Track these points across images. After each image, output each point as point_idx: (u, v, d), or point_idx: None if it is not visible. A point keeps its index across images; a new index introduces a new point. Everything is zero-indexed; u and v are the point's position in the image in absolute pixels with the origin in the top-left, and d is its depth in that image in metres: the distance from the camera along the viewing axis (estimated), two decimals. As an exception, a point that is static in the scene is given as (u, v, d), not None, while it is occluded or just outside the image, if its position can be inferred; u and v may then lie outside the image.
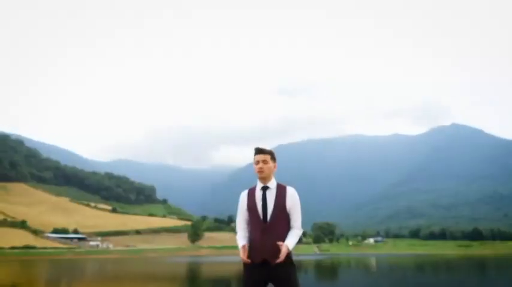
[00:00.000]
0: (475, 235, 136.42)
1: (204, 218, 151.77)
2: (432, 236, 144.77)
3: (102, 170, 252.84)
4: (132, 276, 30.47)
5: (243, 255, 2.92)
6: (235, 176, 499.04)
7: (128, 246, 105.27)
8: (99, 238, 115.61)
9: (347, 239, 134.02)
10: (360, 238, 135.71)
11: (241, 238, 3.01)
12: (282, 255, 2.78)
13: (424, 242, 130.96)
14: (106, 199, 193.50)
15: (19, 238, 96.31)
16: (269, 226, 2.87)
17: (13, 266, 46.06)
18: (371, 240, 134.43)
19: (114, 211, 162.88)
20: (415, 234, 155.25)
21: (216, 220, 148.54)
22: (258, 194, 2.95)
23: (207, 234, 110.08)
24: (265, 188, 2.95)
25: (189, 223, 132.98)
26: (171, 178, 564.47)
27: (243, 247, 2.95)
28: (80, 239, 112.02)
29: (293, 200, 2.97)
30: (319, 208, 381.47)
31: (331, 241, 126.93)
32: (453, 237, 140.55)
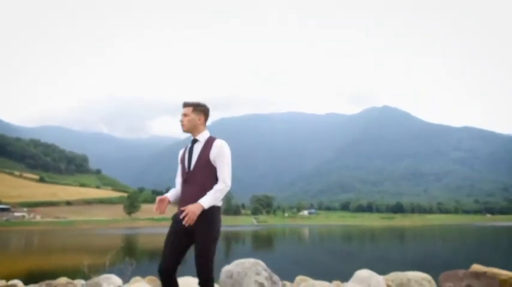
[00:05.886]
0: (397, 208, 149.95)
1: (141, 189, 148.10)
2: (360, 209, 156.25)
3: (27, 137, 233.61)
4: (63, 248, 29.26)
5: (154, 206, 2.82)
6: (175, 147, 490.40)
7: (57, 217, 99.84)
8: (25, 209, 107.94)
9: (283, 211, 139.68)
10: (295, 210, 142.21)
11: (169, 192, 2.92)
12: (188, 219, 2.54)
13: (352, 215, 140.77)
14: (32, 167, 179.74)
15: None
16: (190, 176, 2.76)
17: None
18: (305, 212, 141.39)
19: (41, 180, 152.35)
20: (345, 207, 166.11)
21: (154, 192, 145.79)
22: (188, 147, 2.90)
23: (144, 206, 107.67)
24: (194, 141, 2.87)
25: (124, 194, 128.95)
26: (104, 147, 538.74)
27: (159, 198, 2.83)
28: (3, 209, 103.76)
29: (218, 151, 2.76)
30: (257, 181, 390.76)
31: (268, 212, 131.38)
32: (378, 210, 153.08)
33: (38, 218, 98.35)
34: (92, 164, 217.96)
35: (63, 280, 4.35)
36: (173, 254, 2.70)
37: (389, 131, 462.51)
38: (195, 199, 2.65)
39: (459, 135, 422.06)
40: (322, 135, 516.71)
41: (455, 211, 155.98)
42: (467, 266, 5.19)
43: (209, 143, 2.83)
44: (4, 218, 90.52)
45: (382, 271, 5.28)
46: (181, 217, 2.61)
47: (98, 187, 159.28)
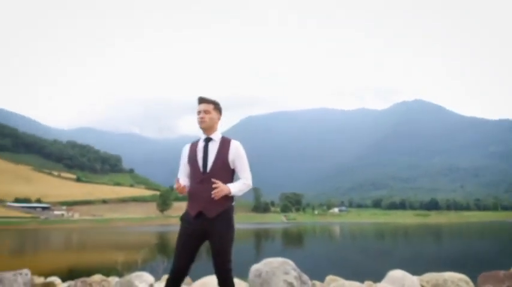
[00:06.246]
0: (432, 205, 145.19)
1: (172, 188, 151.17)
2: (393, 206, 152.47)
3: (64, 139, 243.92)
4: (99, 245, 30.34)
5: (177, 185, 2.69)
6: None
7: (94, 215, 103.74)
8: (64, 208, 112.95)
9: (313, 209, 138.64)
10: (325, 207, 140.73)
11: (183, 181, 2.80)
12: (217, 192, 2.57)
13: (385, 212, 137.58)
14: (70, 168, 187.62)
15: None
16: (208, 177, 2.66)
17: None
18: (335, 209, 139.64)
19: (78, 180, 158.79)
20: (376, 204, 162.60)
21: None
22: (200, 145, 2.78)
23: (176, 204, 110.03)
24: (208, 140, 2.77)
25: (156, 192, 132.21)
26: (136, 148, 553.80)
27: (181, 182, 2.71)
28: (43, 208, 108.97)
29: (237, 152, 2.73)
30: (285, 179, 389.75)
31: (297, 210, 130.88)
32: (412, 207, 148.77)
33: (76, 216, 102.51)
34: (125, 164, 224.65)
35: (97, 277, 4.49)
36: (187, 255, 2.70)
37: (421, 125, 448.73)
38: (216, 201, 2.63)
39: (495, 128, 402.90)
40: (352, 131, 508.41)
41: (494, 208, 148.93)
42: (508, 267, 4.93)
43: (225, 143, 2.78)
44: (43, 217, 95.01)
45: (416, 271, 5.11)
46: (213, 192, 2.58)
47: (131, 186, 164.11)
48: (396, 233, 46.36)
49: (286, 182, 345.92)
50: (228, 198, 2.72)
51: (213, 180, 2.62)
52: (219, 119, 2.84)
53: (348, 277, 5.30)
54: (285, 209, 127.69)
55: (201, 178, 2.69)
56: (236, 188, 2.68)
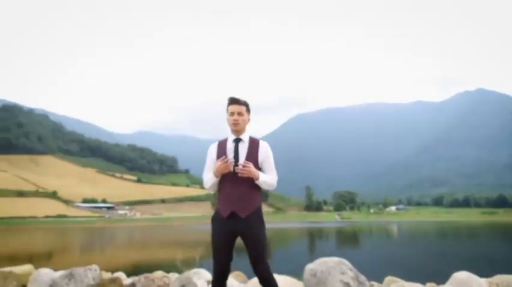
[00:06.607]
0: (500, 202, 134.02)
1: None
2: (455, 204, 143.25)
3: (124, 142, 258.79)
4: (160, 243, 31.81)
5: (223, 161, 2.66)
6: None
7: (154, 214, 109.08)
8: (127, 207, 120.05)
9: (368, 207, 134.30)
10: (381, 205, 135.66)
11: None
12: (246, 171, 2.61)
13: (447, 210, 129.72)
14: (130, 169, 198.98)
15: (51, 207, 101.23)
16: (239, 178, 2.68)
17: (48, 234, 48.72)
18: (393, 208, 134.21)
19: (139, 181, 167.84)
20: (437, 202, 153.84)
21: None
22: (230, 145, 2.79)
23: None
24: (238, 140, 2.79)
25: (211, 192, 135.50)
26: (190, 149, 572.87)
27: (227, 159, 2.69)
28: (108, 208, 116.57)
29: (266, 153, 2.78)
30: (338, 177, 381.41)
31: (352, 209, 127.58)
32: (477, 204, 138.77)
33: (138, 215, 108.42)
34: (181, 165, 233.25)
35: (159, 273, 4.73)
36: (225, 255, 2.74)
37: (486, 116, 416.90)
38: (248, 199, 2.70)
39: None
40: (409, 125, 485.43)
41: None
42: None
43: (255, 144, 2.82)
44: (108, 216, 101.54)
45: (483, 274, 4.76)
46: (242, 166, 2.62)
47: (187, 186, 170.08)
48: (460, 233, 43.58)
49: (339, 180, 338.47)
50: (258, 197, 2.78)
51: (246, 162, 2.67)
52: (249, 120, 2.87)
53: (408, 278, 5.08)
54: (338, 208, 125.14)
55: (233, 179, 2.72)
56: (264, 177, 2.72)
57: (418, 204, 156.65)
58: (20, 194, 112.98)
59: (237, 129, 2.77)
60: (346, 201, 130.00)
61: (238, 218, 2.69)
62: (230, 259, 2.77)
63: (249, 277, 4.92)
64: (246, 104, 2.81)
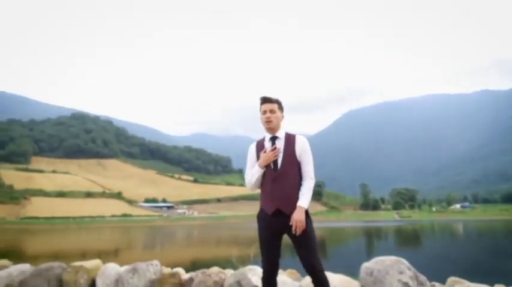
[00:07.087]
0: None
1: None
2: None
3: (181, 144, 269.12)
4: (216, 240, 32.69)
5: (271, 150, 2.76)
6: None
7: (210, 213, 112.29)
8: (185, 206, 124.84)
9: (430, 205, 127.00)
10: (444, 203, 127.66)
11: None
12: (299, 227, 2.62)
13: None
14: (187, 170, 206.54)
15: (117, 207, 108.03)
16: (280, 175, 2.74)
17: (114, 232, 52.10)
18: (457, 206, 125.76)
19: (195, 181, 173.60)
20: (508, 199, 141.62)
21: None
22: (268, 144, 2.84)
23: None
24: (274, 138, 2.84)
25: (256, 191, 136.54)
26: (243, 148, 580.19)
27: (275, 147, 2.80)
28: (168, 207, 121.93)
29: (303, 147, 2.79)
30: (395, 174, 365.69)
31: (412, 207, 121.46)
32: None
33: (195, 214, 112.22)
34: (235, 165, 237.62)
35: (215, 269, 4.87)
36: (274, 253, 2.76)
37: None
38: (291, 197, 2.71)
39: None
40: (472, 116, 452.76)
41: None
42: None
43: (291, 139, 2.83)
44: (167, 215, 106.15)
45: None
46: (293, 228, 2.64)
47: (241, 185, 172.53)
48: (537, 232, 39.81)
49: (396, 178, 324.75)
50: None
51: (292, 222, 2.65)
52: (283, 117, 2.89)
53: (473, 279, 4.76)
54: (397, 206, 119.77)
55: (274, 176, 2.76)
56: (306, 202, 2.71)
57: (486, 201, 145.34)
58: (89, 195, 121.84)
59: (271, 127, 2.83)
60: (405, 199, 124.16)
61: (284, 215, 2.71)
62: (278, 256, 2.80)
63: (303, 275, 4.92)
64: (278, 102, 2.85)
